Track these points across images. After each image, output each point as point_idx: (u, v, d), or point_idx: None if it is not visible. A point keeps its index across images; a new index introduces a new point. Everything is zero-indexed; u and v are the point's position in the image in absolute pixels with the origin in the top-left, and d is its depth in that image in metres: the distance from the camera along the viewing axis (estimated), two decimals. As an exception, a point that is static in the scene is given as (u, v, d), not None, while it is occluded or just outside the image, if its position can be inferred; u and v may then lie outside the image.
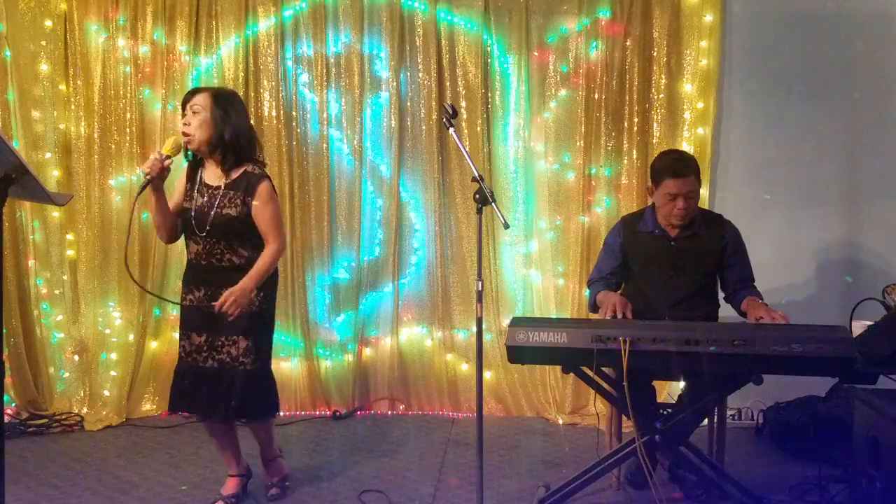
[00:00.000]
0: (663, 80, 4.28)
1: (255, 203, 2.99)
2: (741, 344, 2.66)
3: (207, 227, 3.00)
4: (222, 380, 3.03)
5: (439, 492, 3.37)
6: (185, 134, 2.98)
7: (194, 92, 3.04)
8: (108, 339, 4.40)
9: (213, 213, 2.99)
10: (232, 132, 3.00)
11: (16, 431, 4.07)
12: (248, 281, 2.96)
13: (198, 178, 3.07)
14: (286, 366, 4.43)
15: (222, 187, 3.02)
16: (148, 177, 2.89)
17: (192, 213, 3.02)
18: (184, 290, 3.12)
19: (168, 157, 2.94)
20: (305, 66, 4.42)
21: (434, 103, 4.37)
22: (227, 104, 3.01)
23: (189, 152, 3.07)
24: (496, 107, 4.42)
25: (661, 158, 3.31)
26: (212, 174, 3.06)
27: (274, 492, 3.25)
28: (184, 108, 3.01)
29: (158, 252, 4.36)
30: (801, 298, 4.29)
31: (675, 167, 3.17)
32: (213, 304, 2.93)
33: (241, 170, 3.04)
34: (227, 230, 3.00)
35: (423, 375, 4.52)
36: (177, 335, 4.39)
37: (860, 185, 4.30)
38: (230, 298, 2.91)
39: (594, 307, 3.35)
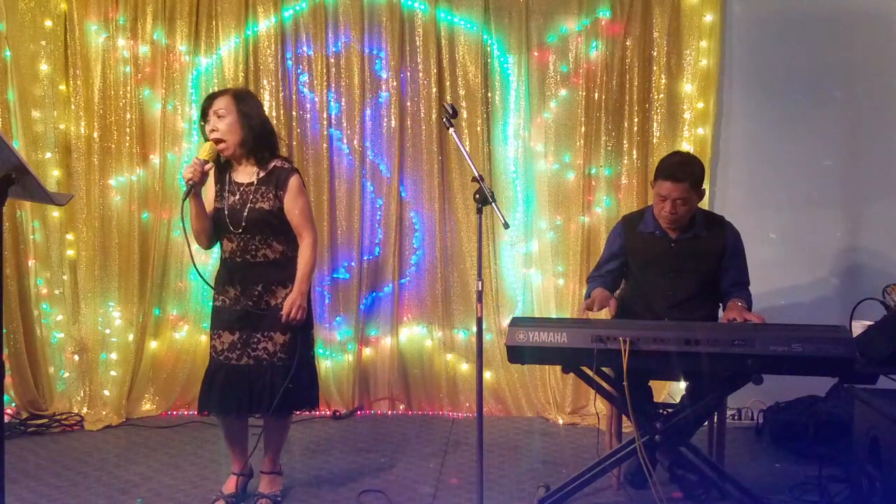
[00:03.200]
0: (663, 80, 4.28)
1: (286, 196, 3.03)
2: (741, 344, 2.66)
3: (243, 224, 3.02)
4: (260, 376, 3.04)
5: (439, 492, 3.37)
6: (217, 141, 2.98)
7: (214, 96, 3.04)
8: (108, 339, 4.40)
9: (247, 208, 3.01)
10: (260, 129, 3.04)
11: (16, 431, 4.08)
12: (301, 284, 3.03)
13: (227, 179, 3.08)
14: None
15: (255, 183, 3.05)
16: (191, 182, 2.90)
17: (226, 212, 3.04)
18: (216, 290, 3.13)
19: (206, 161, 2.95)
20: (305, 66, 4.42)
21: (434, 103, 4.37)
22: (248, 102, 3.05)
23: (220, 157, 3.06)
24: (496, 107, 4.42)
25: (666, 158, 3.30)
26: (242, 173, 3.08)
27: (264, 502, 3.20)
28: (206, 115, 3.01)
29: (158, 252, 4.38)
30: (802, 298, 4.29)
31: (671, 170, 3.16)
32: (280, 314, 3.00)
33: (271, 165, 3.08)
34: (263, 225, 3.03)
35: (423, 375, 4.52)
36: (177, 335, 4.46)
37: (860, 185, 4.30)
38: (295, 305, 3.00)
39: None
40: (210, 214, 3.07)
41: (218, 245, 3.16)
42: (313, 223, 3.13)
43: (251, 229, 3.03)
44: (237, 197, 3.04)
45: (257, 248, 3.05)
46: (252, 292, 3.04)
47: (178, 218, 3.00)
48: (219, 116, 2.99)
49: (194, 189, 2.93)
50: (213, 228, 3.10)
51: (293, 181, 3.06)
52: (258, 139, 3.04)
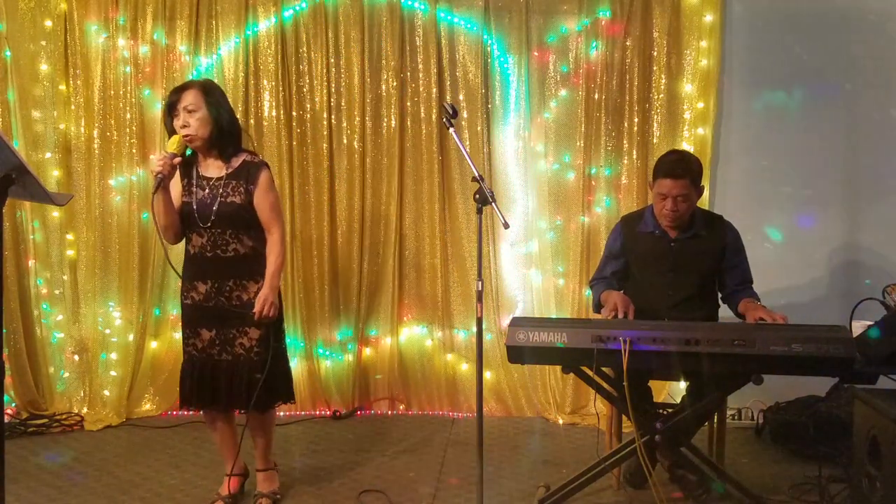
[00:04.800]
0: (663, 80, 4.28)
1: (256, 191, 3.02)
2: (741, 344, 2.66)
3: (212, 218, 3.00)
4: (237, 372, 3.04)
5: (439, 492, 3.37)
6: (186, 135, 2.97)
7: (181, 90, 3.01)
8: (108, 339, 4.40)
9: (217, 202, 3.00)
10: (228, 122, 3.04)
11: (16, 431, 4.08)
12: (272, 279, 3.03)
13: (194, 174, 3.07)
14: (286, 366, 4.43)
15: (224, 177, 3.04)
16: (160, 175, 2.89)
17: (195, 206, 3.03)
18: (185, 288, 3.10)
19: (175, 155, 2.94)
20: (305, 66, 4.41)
21: (434, 103, 4.37)
22: (215, 95, 3.04)
23: (188, 150, 3.07)
24: (496, 107, 4.41)
25: (663, 157, 3.30)
26: (210, 167, 3.07)
27: (263, 502, 3.20)
28: (174, 109, 2.99)
29: (158, 251, 4.37)
30: (802, 298, 4.29)
31: (670, 168, 3.17)
32: (253, 312, 2.99)
33: (241, 159, 3.07)
34: (233, 219, 3.01)
35: (423, 375, 4.52)
36: (177, 335, 4.44)
37: (860, 185, 4.30)
38: (268, 302, 3.00)
39: (598, 306, 3.35)
40: (177, 209, 3.06)
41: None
42: (282, 218, 3.15)
43: (221, 223, 3.01)
44: (206, 191, 3.03)
45: (227, 243, 3.03)
46: (225, 286, 3.03)
47: (153, 212, 2.97)
48: (189, 111, 2.97)
49: (163, 183, 2.92)
50: (180, 224, 3.08)
51: (264, 176, 3.05)
52: (225, 133, 3.03)
